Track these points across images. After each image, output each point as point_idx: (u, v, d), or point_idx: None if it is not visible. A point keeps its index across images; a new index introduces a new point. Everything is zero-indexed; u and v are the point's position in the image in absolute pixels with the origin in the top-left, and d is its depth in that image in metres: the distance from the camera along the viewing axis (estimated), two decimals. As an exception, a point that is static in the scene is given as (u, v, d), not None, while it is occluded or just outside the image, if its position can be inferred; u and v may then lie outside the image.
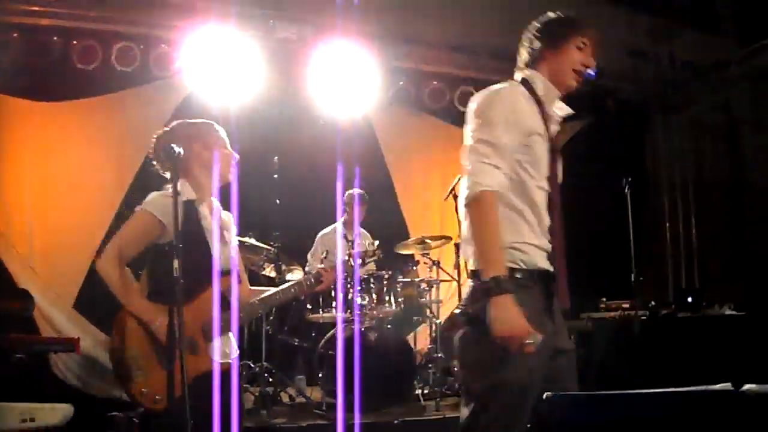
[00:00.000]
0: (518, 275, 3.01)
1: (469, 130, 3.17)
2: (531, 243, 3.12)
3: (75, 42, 7.87)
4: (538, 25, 3.51)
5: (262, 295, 4.04)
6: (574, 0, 11.27)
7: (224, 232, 3.93)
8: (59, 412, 3.38)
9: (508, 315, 2.81)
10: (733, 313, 8.59)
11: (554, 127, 3.38)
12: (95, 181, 7.98)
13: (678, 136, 11.79)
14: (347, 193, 8.16)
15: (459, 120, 9.86)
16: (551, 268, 3.18)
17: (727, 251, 12.19)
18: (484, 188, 2.96)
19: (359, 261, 5.51)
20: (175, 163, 3.39)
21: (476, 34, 9.92)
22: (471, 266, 3.12)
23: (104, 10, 8.05)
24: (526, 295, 2.96)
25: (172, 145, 3.37)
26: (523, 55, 3.55)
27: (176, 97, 8.35)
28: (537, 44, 3.45)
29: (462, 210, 3.12)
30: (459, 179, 7.60)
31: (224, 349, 3.73)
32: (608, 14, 11.43)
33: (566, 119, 3.53)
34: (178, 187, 3.39)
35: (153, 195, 3.78)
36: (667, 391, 1.94)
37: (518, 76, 3.49)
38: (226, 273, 3.78)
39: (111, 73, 8.06)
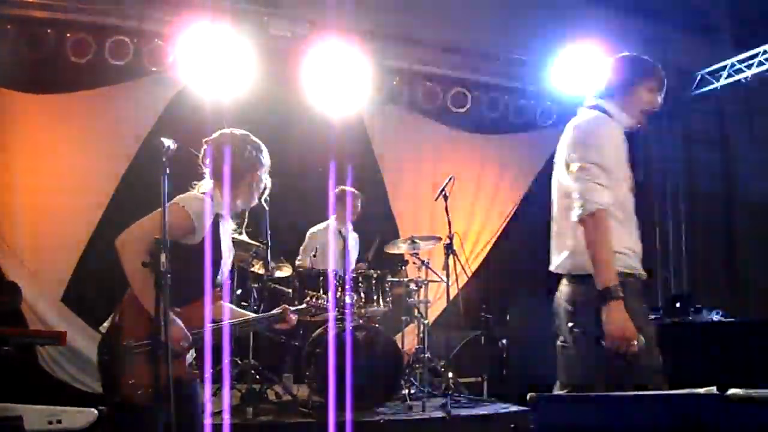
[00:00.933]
0: (629, 279, 3.52)
1: (576, 153, 3.63)
2: (632, 250, 3.65)
3: (69, 35, 7.86)
4: (616, 63, 3.91)
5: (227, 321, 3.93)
6: (570, 6, 11.42)
7: (232, 250, 3.98)
8: (84, 416, 3.38)
9: (620, 318, 3.30)
10: (722, 319, 8.64)
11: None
12: (87, 174, 7.96)
13: (670, 143, 11.81)
14: (339, 188, 8.13)
15: (451, 121, 9.97)
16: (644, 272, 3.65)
17: (717, 258, 12.24)
18: (598, 206, 3.44)
19: (351, 271, 5.52)
20: (166, 157, 3.36)
21: (470, 35, 9.94)
22: (576, 272, 3.62)
23: (98, 3, 8.04)
24: (633, 297, 3.45)
25: (162, 139, 3.34)
26: (598, 88, 3.94)
27: (169, 91, 8.34)
28: (613, 81, 3.88)
29: (572, 224, 3.58)
30: (450, 180, 7.66)
31: (192, 361, 3.72)
32: (602, 20, 11.48)
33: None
34: (210, 195, 3.65)
35: (191, 194, 3.77)
36: (652, 394, 1.94)
37: (593, 105, 3.93)
38: (217, 286, 3.79)
39: (104, 66, 8.04)
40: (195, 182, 3.89)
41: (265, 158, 4.06)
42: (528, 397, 2.05)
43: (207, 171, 3.87)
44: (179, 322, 3.52)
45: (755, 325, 8.85)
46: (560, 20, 10.88)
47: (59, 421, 3.29)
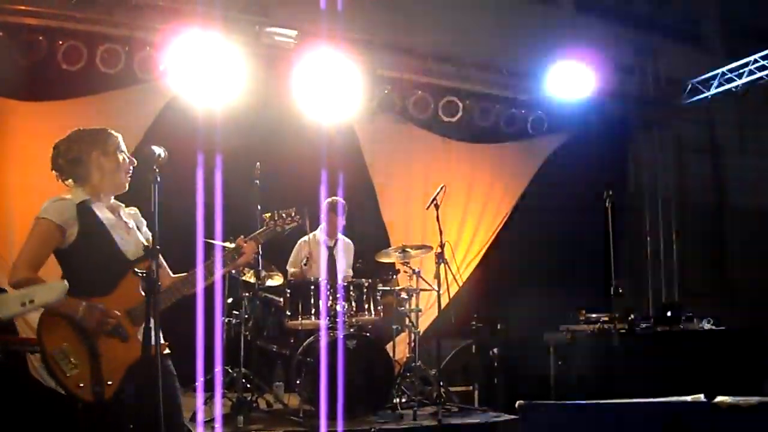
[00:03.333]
0: None
1: None
2: None
3: (60, 42, 7.85)
4: None
5: (183, 275, 3.97)
6: (563, 17, 11.47)
7: (128, 223, 3.97)
8: (55, 289, 3.38)
9: None
10: (713, 327, 8.67)
11: None
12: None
13: (661, 151, 11.86)
14: (325, 201, 8.13)
15: (443, 130, 9.98)
16: None
17: (708, 266, 12.29)
18: None
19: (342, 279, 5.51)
20: (155, 164, 3.50)
21: (462, 45, 9.98)
22: None
23: (90, 11, 8.04)
24: None
25: (153, 147, 3.43)
26: None
27: (160, 100, 8.32)
28: None
29: None
30: (441, 189, 7.66)
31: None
32: (593, 30, 11.54)
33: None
34: (71, 194, 3.81)
35: (47, 202, 3.79)
36: (641, 401, 1.95)
37: None
38: (139, 261, 3.73)
39: (95, 74, 8.03)
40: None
41: (105, 133, 4.12)
42: (516, 404, 2.05)
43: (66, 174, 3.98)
44: (97, 305, 3.57)
45: (745, 333, 8.90)
46: (551, 30, 10.94)
47: (32, 301, 3.29)
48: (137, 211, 4.10)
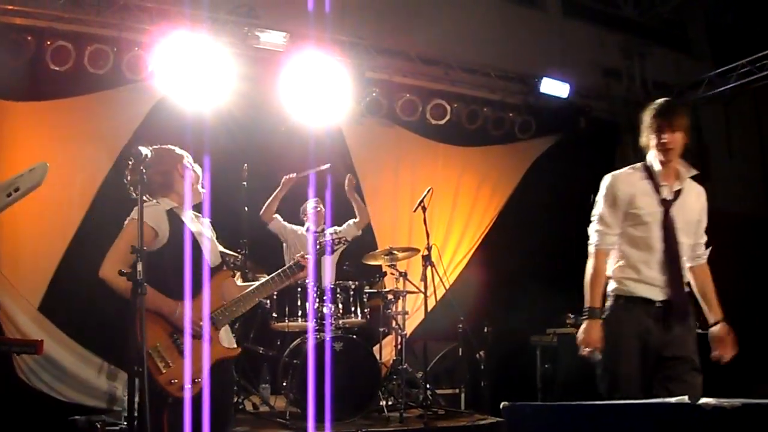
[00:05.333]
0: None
1: None
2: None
3: (49, 42, 7.81)
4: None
5: (254, 285, 4.29)
6: (550, 20, 11.49)
7: (206, 231, 4.26)
8: (37, 171, 3.41)
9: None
10: (698, 331, 8.67)
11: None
12: (64, 183, 7.88)
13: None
14: (311, 200, 8.14)
15: (430, 133, 9.99)
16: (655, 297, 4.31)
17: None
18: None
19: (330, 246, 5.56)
20: (142, 165, 3.62)
21: (450, 47, 9.99)
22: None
23: (78, 11, 8.02)
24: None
25: (140, 147, 3.51)
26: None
27: (148, 101, 8.30)
28: None
29: None
30: (428, 191, 7.67)
31: (230, 338, 4.16)
32: (583, 33, 11.57)
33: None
34: (159, 202, 4.04)
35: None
36: (626, 403, 1.95)
37: None
38: (218, 268, 4.15)
39: (83, 75, 8.00)
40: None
41: (179, 153, 4.35)
42: (501, 405, 2.06)
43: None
44: (160, 296, 3.82)
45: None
46: (539, 33, 10.97)
47: (17, 189, 3.30)
48: (208, 222, 4.39)
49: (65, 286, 7.76)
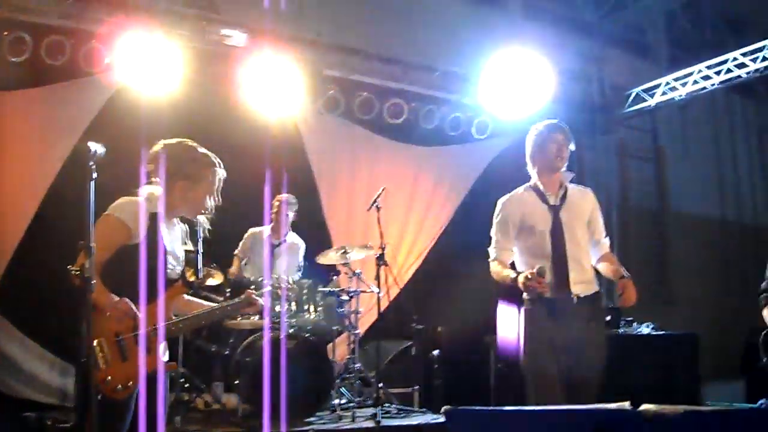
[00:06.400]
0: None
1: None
2: None
3: (6, 33, 7.69)
4: None
5: (202, 311, 4.31)
6: (510, 21, 11.52)
7: (176, 246, 4.20)
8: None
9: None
10: (651, 332, 8.80)
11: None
12: (17, 176, 7.79)
13: (604, 157, 12.00)
14: (276, 198, 8.12)
15: (387, 131, 9.97)
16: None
17: (650, 271, 12.47)
18: None
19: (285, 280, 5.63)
20: (92, 161, 3.45)
21: (409, 47, 9.99)
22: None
23: (35, 2, 7.91)
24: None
25: (89, 143, 3.43)
26: None
27: (104, 93, 8.18)
28: None
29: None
30: (382, 190, 7.67)
31: (165, 352, 4.07)
32: (539, 35, 11.63)
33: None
34: (148, 193, 3.96)
35: (121, 200, 3.96)
36: (567, 408, 1.96)
37: None
38: (172, 282, 4.07)
39: (40, 66, 7.89)
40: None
41: (208, 173, 4.23)
42: (442, 410, 2.06)
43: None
44: (111, 296, 3.76)
45: (682, 338, 9.05)
46: (498, 34, 11.00)
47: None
48: (185, 231, 4.36)
49: (17, 281, 7.66)
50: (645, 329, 8.85)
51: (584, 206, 5.19)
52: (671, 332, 9.11)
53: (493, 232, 5.17)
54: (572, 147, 5.19)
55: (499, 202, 5.21)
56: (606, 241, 5.24)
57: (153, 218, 3.95)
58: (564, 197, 5.08)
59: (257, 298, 4.41)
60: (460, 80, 10.35)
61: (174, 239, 4.16)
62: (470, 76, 10.19)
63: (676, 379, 8.72)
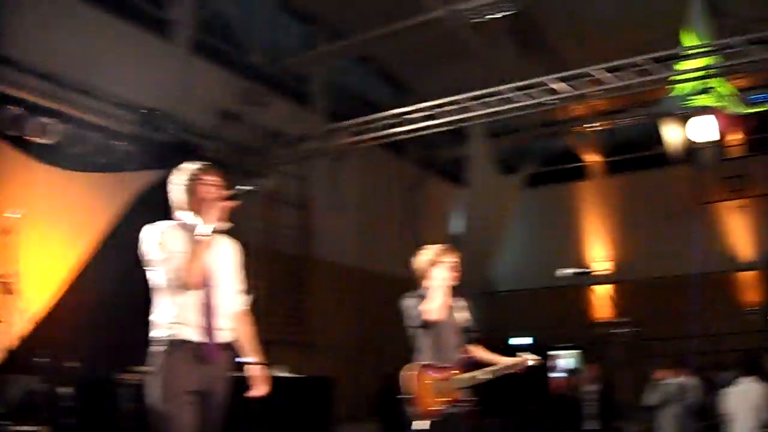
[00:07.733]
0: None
1: None
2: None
3: None
4: None
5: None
6: (178, 55, 11.39)
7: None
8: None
9: None
10: (287, 375, 8.92)
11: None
12: None
13: (250, 202, 12.10)
14: None
15: (32, 151, 9.32)
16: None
17: (292, 315, 12.74)
18: None
19: None
20: None
21: (68, 66, 9.61)
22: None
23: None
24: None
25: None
26: None
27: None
28: None
29: None
30: (17, 215, 7.22)
31: None
32: (207, 73, 11.64)
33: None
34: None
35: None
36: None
37: None
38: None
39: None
40: None
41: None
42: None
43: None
44: None
45: (316, 382, 9.27)
46: (166, 65, 10.89)
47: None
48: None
49: None
50: (280, 372, 8.94)
51: (229, 256, 5.19)
52: (306, 376, 9.30)
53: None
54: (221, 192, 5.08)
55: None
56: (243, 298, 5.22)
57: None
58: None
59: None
60: (116, 106, 10.09)
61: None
62: (127, 104, 9.91)
63: (310, 422, 8.88)
